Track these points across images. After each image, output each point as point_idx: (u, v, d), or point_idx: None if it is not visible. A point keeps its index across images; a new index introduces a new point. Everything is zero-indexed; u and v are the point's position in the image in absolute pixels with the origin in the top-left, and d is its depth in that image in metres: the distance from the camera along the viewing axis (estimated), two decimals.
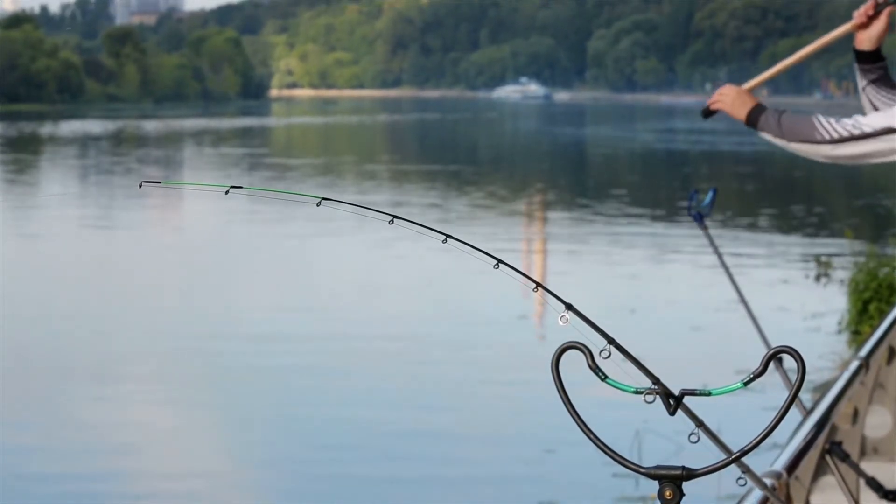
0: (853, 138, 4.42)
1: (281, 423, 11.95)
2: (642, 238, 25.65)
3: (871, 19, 4.69)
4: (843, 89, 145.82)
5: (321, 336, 15.74)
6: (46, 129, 78.22)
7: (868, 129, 4.42)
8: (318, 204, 2.16)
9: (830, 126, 4.45)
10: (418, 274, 20.53)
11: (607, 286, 19.66)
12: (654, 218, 29.72)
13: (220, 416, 12.29)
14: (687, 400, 1.97)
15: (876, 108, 4.63)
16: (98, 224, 28.52)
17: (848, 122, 4.45)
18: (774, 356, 1.86)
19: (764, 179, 41.76)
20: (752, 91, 4.71)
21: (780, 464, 3.35)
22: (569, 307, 2.03)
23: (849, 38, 4.83)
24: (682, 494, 1.94)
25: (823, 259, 20.20)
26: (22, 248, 23.98)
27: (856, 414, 4.73)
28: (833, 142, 4.44)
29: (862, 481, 4.39)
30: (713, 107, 4.73)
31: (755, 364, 1.86)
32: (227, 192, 2.17)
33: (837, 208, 32.18)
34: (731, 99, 4.67)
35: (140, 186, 2.26)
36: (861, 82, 4.72)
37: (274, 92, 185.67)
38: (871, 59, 4.69)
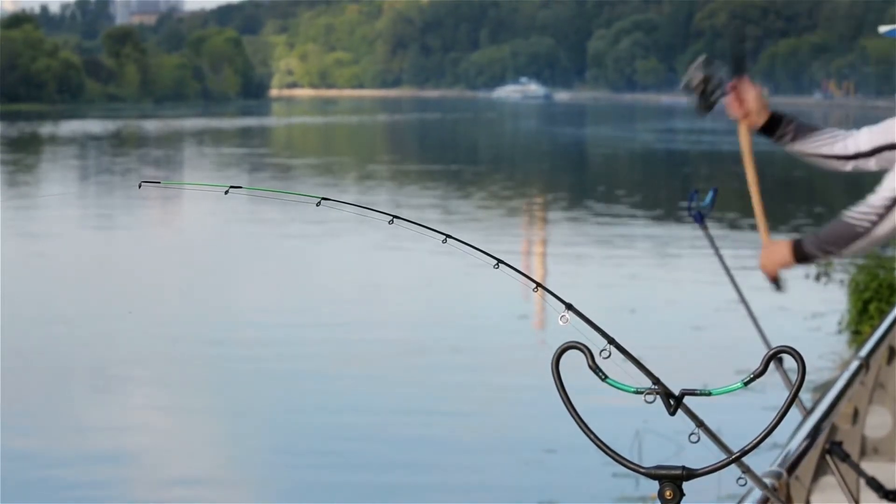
0: (888, 208, 4.42)
1: (281, 425, 11.94)
2: (642, 238, 25.65)
3: (742, 102, 4.66)
4: (844, 89, 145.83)
5: (321, 338, 15.73)
6: (46, 129, 78.21)
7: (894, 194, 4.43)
8: (318, 204, 2.17)
9: (863, 214, 4.44)
10: (418, 274, 20.52)
11: (607, 286, 19.65)
12: (654, 218, 29.71)
13: (220, 420, 12.28)
14: (687, 400, 1.97)
15: (820, 156, 4.64)
16: (98, 224, 28.51)
17: (874, 198, 4.45)
18: (774, 356, 1.86)
19: (764, 179, 41.58)
20: (769, 235, 4.72)
21: (780, 464, 3.34)
22: (569, 307, 2.03)
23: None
24: (683, 494, 1.94)
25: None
26: (21, 249, 23.97)
27: (856, 414, 4.73)
28: (875, 223, 4.44)
29: (862, 481, 4.39)
30: (773, 276, 4.71)
31: (755, 364, 1.86)
32: (226, 192, 2.17)
33: (837, 208, 32.07)
34: (773, 259, 4.68)
35: (139, 186, 2.26)
36: (788, 147, 4.71)
37: (274, 92, 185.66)
38: (774, 126, 4.69)
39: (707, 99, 4.61)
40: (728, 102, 4.63)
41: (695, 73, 4.61)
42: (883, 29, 5.86)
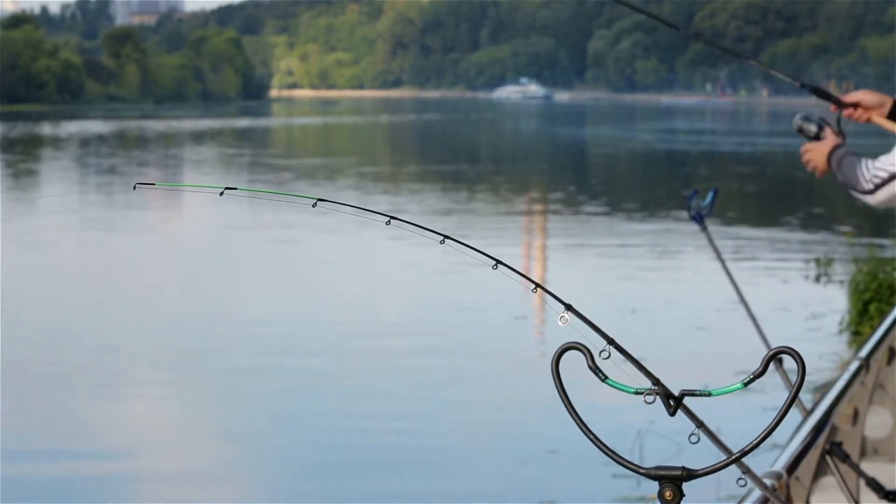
0: (884, 182, 4.46)
1: (281, 426, 11.95)
2: (642, 238, 25.65)
3: (859, 111, 4.73)
4: (844, 89, 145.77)
5: (319, 338, 15.74)
6: (46, 129, 78.24)
7: (893, 169, 4.46)
8: (314, 205, 2.16)
9: (869, 172, 4.49)
10: (416, 275, 20.52)
11: (607, 286, 19.65)
12: (654, 218, 29.72)
13: (221, 420, 12.28)
14: (687, 400, 1.96)
15: None
16: (97, 225, 28.52)
17: (878, 164, 4.49)
18: (774, 356, 1.86)
19: (764, 179, 41.79)
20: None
21: (780, 464, 3.34)
22: (568, 308, 2.02)
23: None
24: (683, 495, 1.94)
25: (823, 259, 20.20)
26: (20, 249, 23.97)
27: (856, 414, 4.73)
28: (870, 191, 4.48)
29: (862, 482, 4.39)
30: (820, 171, 4.77)
31: (755, 364, 1.86)
32: (221, 194, 2.17)
33: (837, 208, 32.16)
34: (815, 154, 4.72)
35: (134, 188, 2.25)
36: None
37: (274, 92, 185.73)
38: None
39: (819, 137, 4.77)
40: (853, 117, 4.76)
41: (804, 126, 4.74)
42: None
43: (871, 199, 4.50)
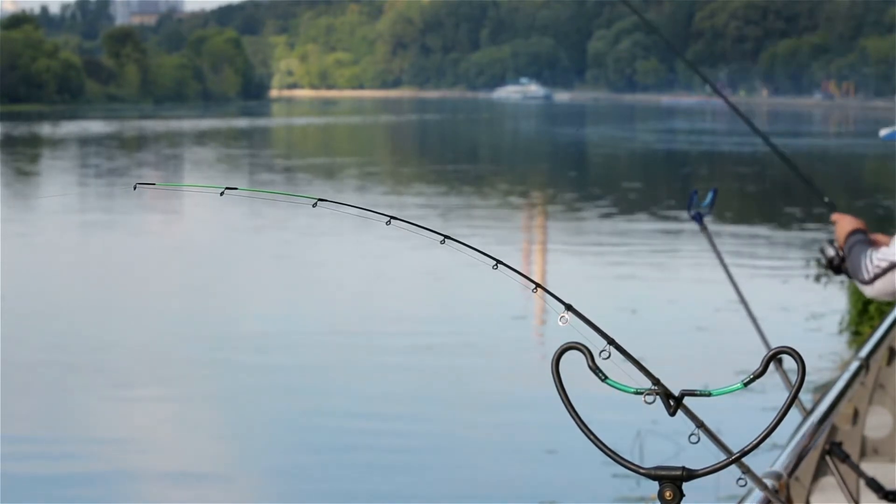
0: (883, 272, 4.52)
1: (282, 426, 11.95)
2: (642, 238, 25.64)
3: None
4: (844, 90, 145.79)
5: (320, 339, 15.73)
6: (46, 129, 78.22)
7: (893, 258, 4.52)
8: (314, 205, 2.16)
9: (872, 263, 4.57)
10: (417, 275, 20.52)
11: (607, 286, 19.64)
12: (654, 218, 29.71)
13: (220, 420, 12.28)
14: (687, 400, 1.96)
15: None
16: (97, 226, 28.50)
17: (880, 254, 4.56)
18: (774, 357, 1.86)
19: (764, 180, 41.78)
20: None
21: (780, 464, 3.34)
22: (568, 308, 2.02)
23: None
24: (682, 495, 1.94)
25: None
26: (20, 250, 23.95)
27: (856, 414, 4.73)
28: (869, 281, 4.55)
29: (862, 482, 4.38)
30: (835, 218, 4.90)
31: (755, 364, 1.86)
32: (221, 194, 2.17)
33: (838, 208, 32.15)
34: (840, 226, 4.84)
35: (135, 188, 2.25)
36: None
37: (274, 92, 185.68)
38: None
39: (839, 270, 4.86)
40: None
41: (825, 250, 4.87)
42: (883, 132, 5.92)
43: (870, 290, 4.58)
